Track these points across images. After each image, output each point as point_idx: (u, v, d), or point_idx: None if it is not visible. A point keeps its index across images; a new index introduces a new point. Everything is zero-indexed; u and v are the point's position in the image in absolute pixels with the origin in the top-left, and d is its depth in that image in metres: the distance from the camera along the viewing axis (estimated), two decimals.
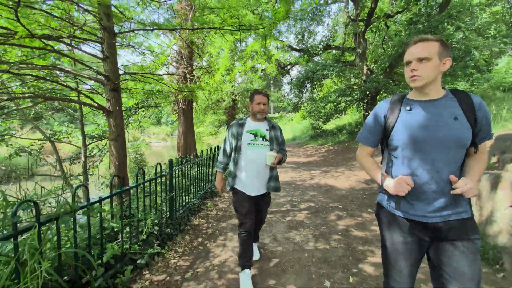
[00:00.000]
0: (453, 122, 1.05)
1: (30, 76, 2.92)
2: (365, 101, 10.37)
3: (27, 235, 1.29)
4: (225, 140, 2.11)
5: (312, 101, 11.51)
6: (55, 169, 4.28)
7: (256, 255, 2.32)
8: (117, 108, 2.93)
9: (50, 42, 2.73)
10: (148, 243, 2.27)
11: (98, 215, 1.74)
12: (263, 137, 1.99)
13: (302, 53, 11.08)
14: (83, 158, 3.91)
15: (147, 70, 4.21)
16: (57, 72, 3.86)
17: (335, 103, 10.67)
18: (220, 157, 2.12)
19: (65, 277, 1.50)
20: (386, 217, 1.21)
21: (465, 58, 7.79)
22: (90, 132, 5.44)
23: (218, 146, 5.34)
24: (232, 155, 2.02)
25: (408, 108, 1.14)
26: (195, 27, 4.63)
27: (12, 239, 1.20)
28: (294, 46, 11.56)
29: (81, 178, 3.99)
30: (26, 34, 2.03)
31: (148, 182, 2.43)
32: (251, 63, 5.29)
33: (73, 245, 1.54)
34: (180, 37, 4.17)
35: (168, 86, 4.93)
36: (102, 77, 2.91)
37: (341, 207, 3.78)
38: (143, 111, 5.75)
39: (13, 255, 1.19)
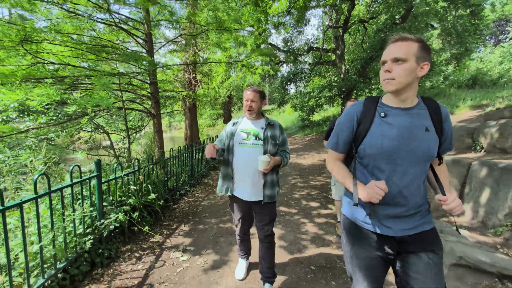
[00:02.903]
0: (424, 134, 1.04)
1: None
2: (342, 96, 12.54)
3: (146, 168, 3.50)
4: (219, 136, 2.03)
5: (297, 96, 13.66)
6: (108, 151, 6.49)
7: None
8: (158, 113, 5.10)
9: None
10: (183, 185, 4.52)
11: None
12: (256, 136, 1.85)
13: (288, 54, 13.11)
14: (127, 143, 6.07)
15: (170, 86, 6.35)
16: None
17: (317, 98, 12.83)
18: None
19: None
20: (352, 231, 1.18)
21: None
22: (122, 126, 7.62)
23: (217, 136, 7.55)
24: (226, 156, 1.91)
25: (382, 114, 1.09)
26: (199, 45, 6.72)
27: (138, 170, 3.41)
28: (282, 48, 13.57)
29: (126, 156, 6.16)
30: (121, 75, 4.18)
31: (179, 155, 4.64)
32: (241, 73, 7.41)
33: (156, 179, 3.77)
34: (192, 64, 6.29)
35: (180, 93, 7.07)
36: (149, 95, 5.07)
37: (298, 174, 6.06)
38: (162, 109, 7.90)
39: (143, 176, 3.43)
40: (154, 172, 3.60)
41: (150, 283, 2.15)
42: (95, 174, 2.44)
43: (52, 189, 1.97)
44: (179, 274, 2.28)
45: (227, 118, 20.01)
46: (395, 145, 1.05)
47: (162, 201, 3.00)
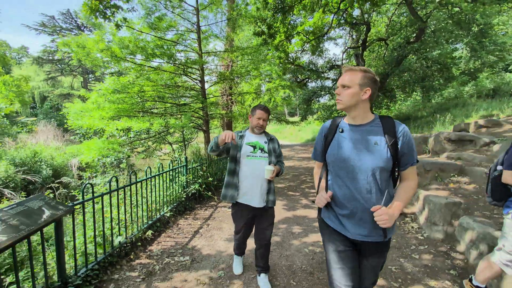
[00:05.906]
0: (372, 147, 1.26)
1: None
2: None
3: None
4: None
5: (320, 109, 15.55)
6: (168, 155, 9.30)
7: None
8: (208, 129, 7.63)
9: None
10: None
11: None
12: (262, 150, 2.20)
13: (311, 73, 15.20)
14: (184, 150, 8.75)
15: (213, 106, 8.97)
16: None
17: (338, 111, 14.59)
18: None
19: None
20: (323, 227, 1.50)
21: (423, 80, 11.18)
22: (176, 139, 10.47)
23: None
24: (232, 166, 2.23)
25: (340, 130, 1.39)
26: (233, 79, 9.27)
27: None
28: (305, 67, 15.73)
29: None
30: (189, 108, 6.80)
31: (222, 158, 7.04)
32: (267, 97, 9.75)
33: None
34: (228, 91, 8.84)
35: (221, 113, 9.63)
36: (202, 117, 7.66)
37: (309, 173, 8.06)
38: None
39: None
40: (210, 166, 6.02)
41: (214, 217, 4.47)
42: (184, 164, 4.89)
43: (169, 169, 4.39)
44: (228, 216, 4.55)
45: None
46: (347, 155, 1.31)
47: (216, 182, 5.36)
